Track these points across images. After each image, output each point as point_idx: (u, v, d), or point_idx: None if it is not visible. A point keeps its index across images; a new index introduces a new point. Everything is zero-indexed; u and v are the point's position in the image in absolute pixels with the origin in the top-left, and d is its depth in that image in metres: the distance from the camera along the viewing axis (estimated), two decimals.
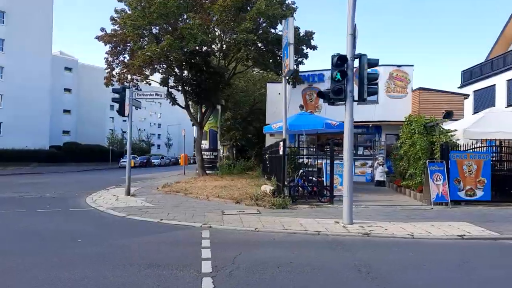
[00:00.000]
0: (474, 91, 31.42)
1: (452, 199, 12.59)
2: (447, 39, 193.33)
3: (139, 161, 56.40)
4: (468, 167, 12.72)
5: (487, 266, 6.45)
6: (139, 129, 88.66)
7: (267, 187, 13.59)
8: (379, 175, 19.52)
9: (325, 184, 13.15)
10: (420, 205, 12.75)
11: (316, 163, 14.76)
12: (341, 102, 9.97)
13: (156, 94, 15.02)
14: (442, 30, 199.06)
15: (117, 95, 14.31)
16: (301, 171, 13.22)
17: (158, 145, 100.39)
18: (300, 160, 15.85)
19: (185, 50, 17.29)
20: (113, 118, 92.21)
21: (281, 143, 12.90)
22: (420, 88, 21.75)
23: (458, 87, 33.62)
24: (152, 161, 61.78)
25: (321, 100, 23.82)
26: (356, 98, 9.88)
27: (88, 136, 64.41)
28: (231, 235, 8.43)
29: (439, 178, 12.42)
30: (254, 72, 34.71)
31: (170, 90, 21.89)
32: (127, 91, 14.31)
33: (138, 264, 6.01)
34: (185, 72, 20.94)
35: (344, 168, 9.76)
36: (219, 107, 26.38)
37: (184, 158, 30.34)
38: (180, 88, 21.50)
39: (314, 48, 21.40)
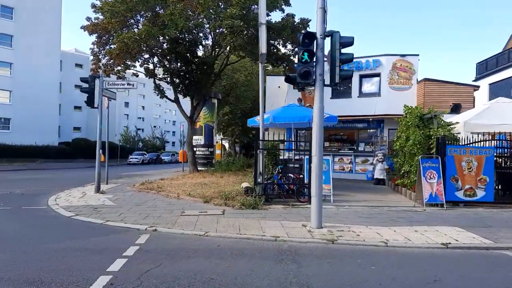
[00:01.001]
0: (490, 84, 29.49)
1: (448, 200, 11.16)
2: (461, 32, 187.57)
3: (147, 158, 55.94)
4: (467, 164, 11.24)
5: (461, 286, 5.12)
6: (154, 126, 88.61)
7: (246, 185, 12.38)
8: (378, 173, 18.08)
9: (305, 181, 11.85)
10: (413, 206, 11.35)
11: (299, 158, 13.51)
12: (310, 88, 8.70)
13: (128, 84, 13.96)
14: (455, 23, 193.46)
15: (85, 85, 13.30)
16: (278, 167, 11.96)
17: (173, 142, 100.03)
18: (286, 155, 14.66)
19: (166, 37, 16.14)
20: (127, 115, 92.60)
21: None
22: (426, 79, 20.14)
23: (473, 81, 31.65)
24: (162, 158, 60.94)
25: None
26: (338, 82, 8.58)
27: None
28: (173, 240, 7.26)
29: (433, 176, 10.99)
30: (268, 68, 33.48)
31: (158, 82, 20.81)
32: (97, 80, 13.30)
33: (17, 279, 4.90)
34: (174, 64, 19.76)
35: (312, 164, 8.48)
36: (215, 101, 25.22)
37: (183, 154, 29.28)
38: (168, 79, 20.34)
39: None
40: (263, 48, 10.64)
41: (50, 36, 49.08)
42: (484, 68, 30.61)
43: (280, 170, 11.80)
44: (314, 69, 8.31)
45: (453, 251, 6.92)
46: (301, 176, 11.90)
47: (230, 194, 11.26)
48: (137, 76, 20.86)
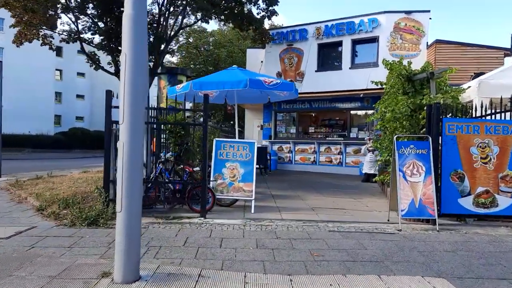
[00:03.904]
0: None
1: (446, 213, 6.47)
2: None
3: None
4: (481, 151, 6.48)
5: None
6: None
7: None
8: (367, 166, 13.40)
9: (211, 178, 7.33)
10: (387, 221, 6.69)
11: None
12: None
13: None
14: None
15: None
16: (165, 155, 7.44)
17: None
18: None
19: None
20: None
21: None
22: (437, 41, 15.15)
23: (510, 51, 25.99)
24: None
25: (303, 66, 17.83)
26: None
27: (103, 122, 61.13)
28: None
29: (418, 171, 6.28)
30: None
31: (92, 50, 16.55)
32: None
33: None
34: (103, 22, 15.31)
35: (119, 143, 3.93)
36: (183, 78, 20.82)
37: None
38: (103, 44, 15.94)
39: None
40: None
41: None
42: None
43: (164, 160, 7.22)
44: None
45: None
46: (196, 169, 7.34)
47: (75, 200, 6.91)
48: (68, 43, 16.66)
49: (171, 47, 27.93)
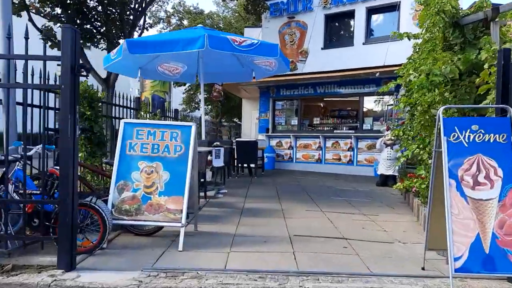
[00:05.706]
0: None
1: None
2: None
3: None
4: None
5: None
6: None
7: None
8: (384, 165, 10.20)
9: (111, 189, 4.25)
10: (420, 269, 3.52)
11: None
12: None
13: None
14: None
15: None
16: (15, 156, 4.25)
17: None
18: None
19: None
20: None
21: None
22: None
23: None
24: None
25: (306, 43, 14.63)
26: None
27: None
28: None
29: (489, 177, 3.10)
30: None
31: (48, 24, 13.60)
32: None
33: None
34: None
35: None
36: None
37: None
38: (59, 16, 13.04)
39: None
40: None
41: None
42: None
43: (20, 157, 4.04)
44: None
45: None
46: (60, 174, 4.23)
47: None
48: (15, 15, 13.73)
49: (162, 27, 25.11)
